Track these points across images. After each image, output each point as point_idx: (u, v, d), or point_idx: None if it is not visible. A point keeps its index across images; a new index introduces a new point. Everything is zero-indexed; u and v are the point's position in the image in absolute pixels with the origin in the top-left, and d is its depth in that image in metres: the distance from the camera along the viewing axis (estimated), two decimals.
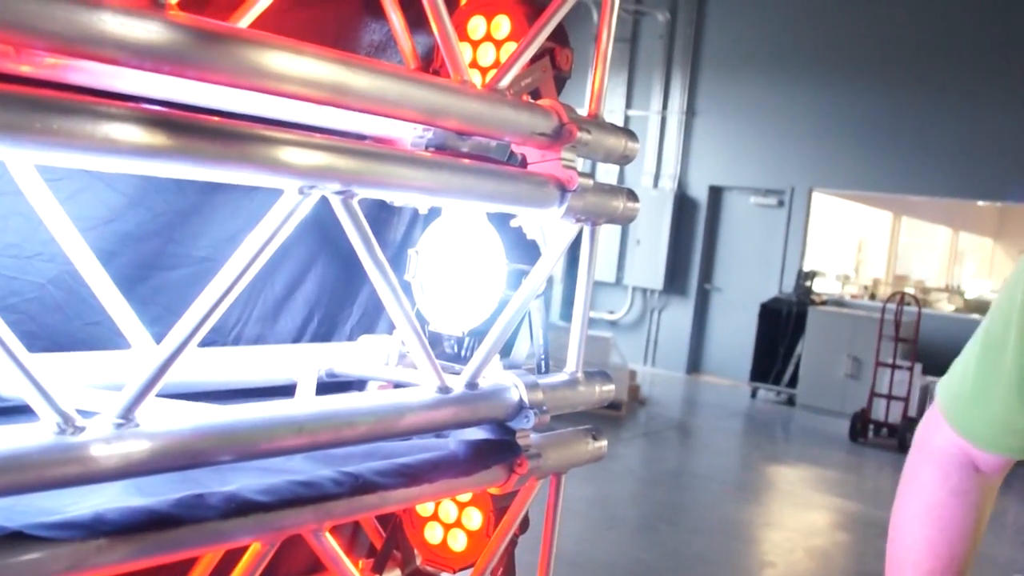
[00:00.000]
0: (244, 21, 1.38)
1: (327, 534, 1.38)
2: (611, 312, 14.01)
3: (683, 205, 13.45)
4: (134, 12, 1.04)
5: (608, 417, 10.05)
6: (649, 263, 13.65)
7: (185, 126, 1.12)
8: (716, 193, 13.36)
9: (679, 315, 13.57)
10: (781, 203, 12.70)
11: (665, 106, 13.62)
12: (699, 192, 13.42)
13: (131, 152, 1.07)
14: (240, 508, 1.21)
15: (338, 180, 1.28)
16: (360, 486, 1.38)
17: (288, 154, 1.20)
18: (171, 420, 1.16)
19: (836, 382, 11.15)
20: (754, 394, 12.16)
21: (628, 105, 13.93)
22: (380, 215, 1.97)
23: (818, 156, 12.31)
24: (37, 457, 1.01)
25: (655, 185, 13.56)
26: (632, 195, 1.77)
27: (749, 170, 12.93)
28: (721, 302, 13.40)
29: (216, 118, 1.16)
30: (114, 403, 1.10)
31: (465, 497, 1.87)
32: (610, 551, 6.07)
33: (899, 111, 11.62)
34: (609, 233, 12.85)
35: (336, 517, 1.36)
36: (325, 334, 1.91)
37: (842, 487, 8.19)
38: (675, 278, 13.57)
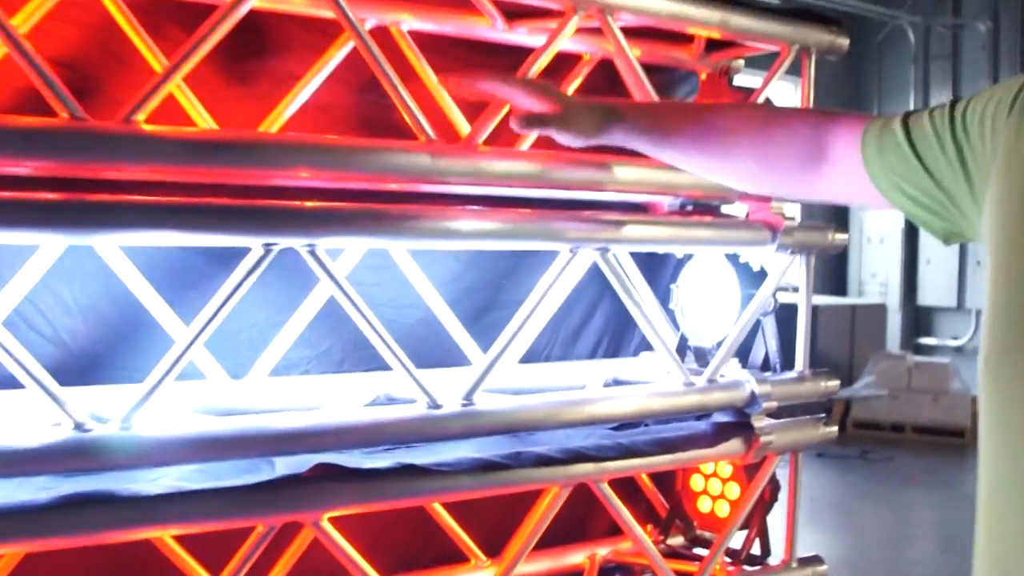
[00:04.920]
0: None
1: (606, 485, 1.98)
2: (955, 338, 13.52)
3: None
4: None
5: (950, 445, 9.84)
6: None
7: (498, 215, 1.79)
8: None
9: None
10: None
11: None
12: None
13: (466, 237, 1.76)
14: (543, 461, 1.84)
15: (598, 241, 1.90)
16: (629, 451, 1.97)
17: (560, 226, 1.84)
18: (498, 402, 1.82)
19: None
20: None
21: None
22: (652, 261, 2.55)
23: None
24: (414, 424, 1.71)
25: None
26: (841, 228, 2.24)
27: None
28: None
29: (516, 208, 1.82)
30: (459, 391, 1.78)
31: (726, 473, 2.40)
32: (943, 573, 6.12)
33: None
34: (947, 256, 12.49)
35: (611, 472, 1.96)
36: (613, 352, 2.53)
37: None
38: None
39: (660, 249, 2.12)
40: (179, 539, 1.82)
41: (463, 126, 2.00)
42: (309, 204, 1.64)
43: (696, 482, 2.46)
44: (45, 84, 1.45)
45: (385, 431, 1.72)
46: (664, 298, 2.45)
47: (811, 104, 2.27)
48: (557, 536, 2.36)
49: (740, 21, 2.09)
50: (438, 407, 1.74)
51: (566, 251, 1.87)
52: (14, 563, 1.63)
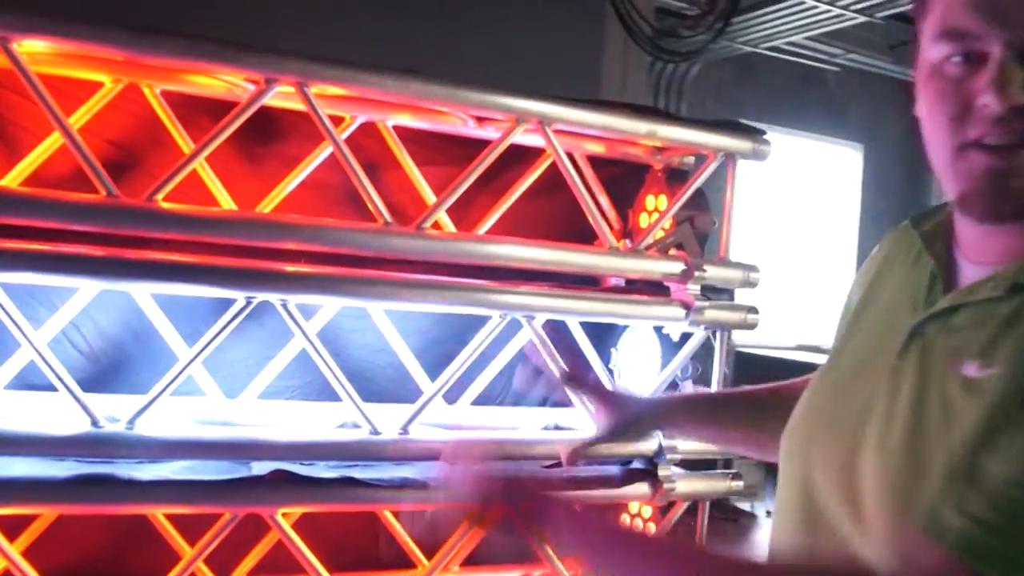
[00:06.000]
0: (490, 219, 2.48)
1: None
2: None
3: None
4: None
5: None
6: None
7: (436, 284, 2.24)
8: None
9: None
10: None
11: None
12: None
13: (410, 300, 2.21)
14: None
15: (523, 309, 2.33)
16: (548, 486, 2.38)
17: (492, 297, 2.29)
18: (429, 433, 2.26)
19: None
20: None
21: None
22: (601, 325, 2.97)
23: None
24: (358, 446, 2.16)
25: None
26: (753, 310, 2.63)
27: None
28: None
29: (476, 281, 2.27)
30: (399, 421, 2.22)
31: (647, 514, 2.79)
32: None
33: None
34: None
35: None
36: (562, 403, 2.94)
37: None
38: None
39: (577, 319, 2.55)
40: (169, 517, 2.30)
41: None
42: (289, 268, 2.11)
43: (623, 520, 2.86)
44: (90, 167, 1.97)
45: (336, 449, 2.19)
46: (608, 359, 2.87)
47: (732, 198, 2.67)
48: (501, 555, 2.77)
49: (667, 132, 2.52)
50: (378, 433, 2.19)
51: (496, 316, 2.31)
52: (45, 526, 2.14)
